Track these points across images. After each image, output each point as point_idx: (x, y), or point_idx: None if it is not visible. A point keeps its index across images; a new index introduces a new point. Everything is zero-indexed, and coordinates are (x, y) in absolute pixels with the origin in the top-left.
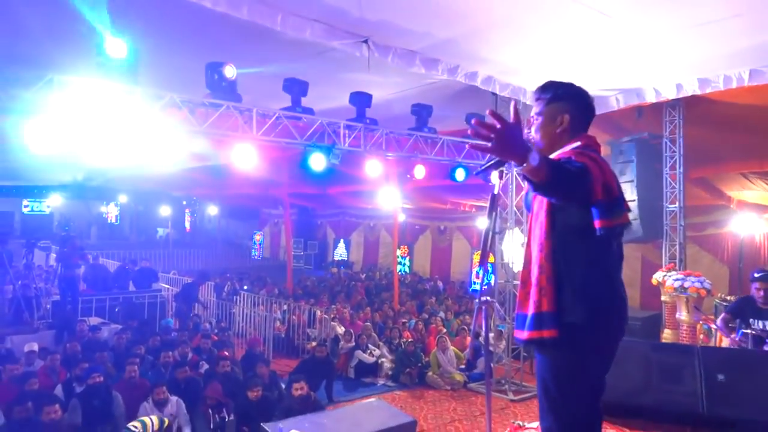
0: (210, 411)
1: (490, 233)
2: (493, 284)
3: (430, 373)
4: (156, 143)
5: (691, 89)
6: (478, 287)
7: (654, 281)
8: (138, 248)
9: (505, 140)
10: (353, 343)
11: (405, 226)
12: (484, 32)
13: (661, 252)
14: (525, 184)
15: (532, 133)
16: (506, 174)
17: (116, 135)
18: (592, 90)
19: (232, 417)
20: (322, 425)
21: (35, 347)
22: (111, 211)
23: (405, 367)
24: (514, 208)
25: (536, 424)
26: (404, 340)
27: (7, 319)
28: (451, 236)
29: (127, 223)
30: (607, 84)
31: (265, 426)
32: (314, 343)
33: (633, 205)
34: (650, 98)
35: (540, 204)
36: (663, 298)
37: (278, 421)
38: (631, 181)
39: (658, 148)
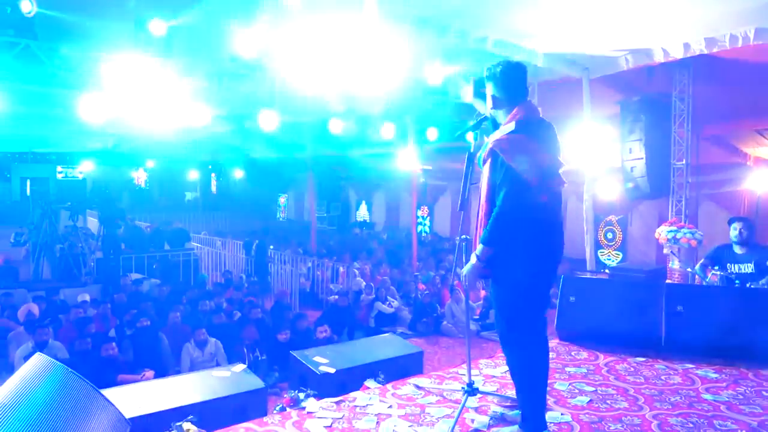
0: (246, 350)
1: (467, 185)
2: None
3: (444, 323)
4: (186, 108)
5: (698, 48)
6: None
7: (656, 235)
8: (167, 211)
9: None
10: (373, 296)
11: (425, 186)
12: None
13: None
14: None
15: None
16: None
17: (153, 104)
18: (601, 50)
19: (264, 356)
20: (341, 353)
21: (87, 297)
22: (140, 177)
23: (421, 316)
24: None
25: None
26: (420, 291)
27: (58, 275)
28: (470, 197)
29: (156, 188)
30: (616, 44)
31: (294, 353)
32: (336, 296)
33: (640, 164)
34: (659, 58)
35: (484, 179)
36: (664, 250)
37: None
38: (640, 139)
39: (668, 106)
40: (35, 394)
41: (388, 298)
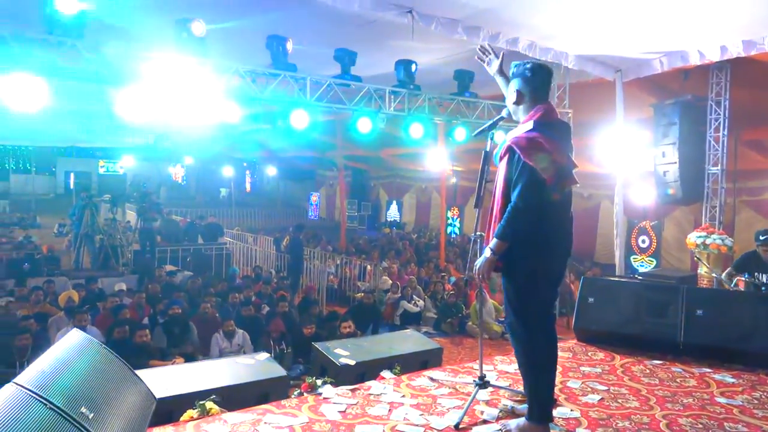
0: (272, 343)
1: (483, 183)
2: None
3: (469, 323)
4: (221, 107)
5: (736, 51)
6: None
7: (686, 241)
8: (203, 207)
9: (479, 270)
10: (399, 294)
11: (456, 188)
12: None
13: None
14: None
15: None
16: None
17: (190, 102)
18: (634, 53)
19: (290, 349)
20: (362, 346)
21: (123, 287)
22: (178, 172)
23: (447, 317)
24: None
25: None
26: (446, 292)
27: (97, 264)
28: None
29: (193, 184)
30: (650, 47)
31: (316, 344)
32: (362, 294)
33: (674, 168)
34: (694, 60)
35: (500, 175)
36: (695, 257)
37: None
38: (673, 143)
39: (703, 110)
40: (74, 364)
41: (414, 297)
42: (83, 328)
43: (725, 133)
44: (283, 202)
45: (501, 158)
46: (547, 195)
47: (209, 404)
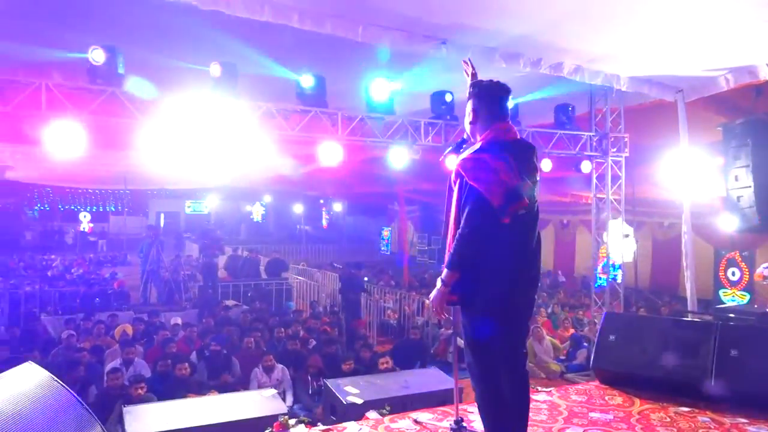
0: (309, 378)
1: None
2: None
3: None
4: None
5: None
6: (603, 282)
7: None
8: (278, 243)
9: (431, 303)
10: (451, 330)
11: None
12: (562, 24)
13: None
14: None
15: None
16: (604, 166)
17: (230, 142)
18: (696, 71)
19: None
20: (374, 384)
21: (179, 321)
22: (257, 210)
23: None
24: (611, 198)
25: (549, 388)
26: None
27: (162, 299)
28: (574, 230)
29: (272, 221)
30: (713, 63)
31: (327, 381)
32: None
33: (748, 192)
34: (765, 75)
35: (453, 201)
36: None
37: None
38: (747, 166)
39: None
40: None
41: None
42: (131, 360)
43: None
44: (354, 237)
45: (454, 183)
46: (495, 219)
47: None
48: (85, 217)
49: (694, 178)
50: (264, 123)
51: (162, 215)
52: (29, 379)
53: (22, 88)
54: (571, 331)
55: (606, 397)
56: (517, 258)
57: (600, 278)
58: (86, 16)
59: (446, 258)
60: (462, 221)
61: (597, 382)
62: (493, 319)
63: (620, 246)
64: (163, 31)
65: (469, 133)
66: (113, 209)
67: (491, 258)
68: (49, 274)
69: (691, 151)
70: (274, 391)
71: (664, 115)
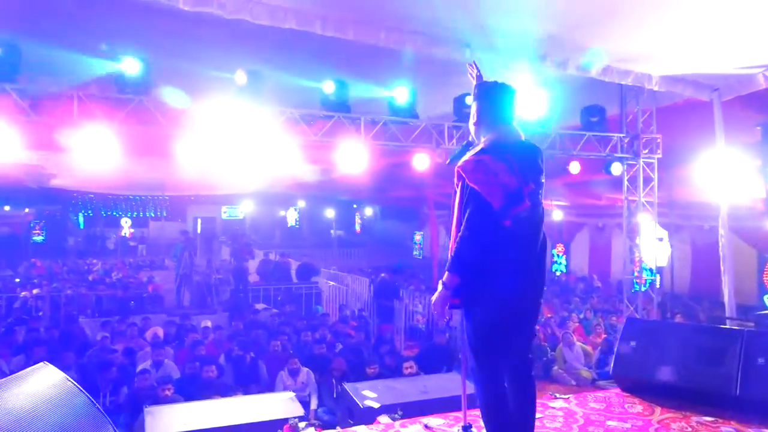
0: (334, 381)
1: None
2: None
3: (555, 368)
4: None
5: None
6: (641, 287)
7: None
8: (313, 248)
9: (433, 307)
10: None
11: (561, 224)
12: (588, 23)
13: None
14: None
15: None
16: (636, 168)
17: (257, 148)
18: (732, 69)
19: None
20: (393, 388)
21: (209, 324)
22: (291, 215)
23: None
24: (643, 201)
25: (567, 396)
26: None
27: (196, 302)
28: (610, 234)
29: (306, 226)
30: (750, 60)
31: (346, 385)
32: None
33: None
34: None
35: (456, 203)
36: None
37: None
38: None
39: None
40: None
41: None
42: (161, 363)
43: None
44: (387, 241)
45: (456, 185)
46: (495, 222)
47: None
48: (126, 222)
49: (732, 180)
50: (288, 129)
51: (199, 220)
52: (44, 379)
53: (56, 98)
54: (604, 336)
55: (625, 405)
56: (520, 261)
57: (636, 283)
58: (117, 27)
59: (448, 261)
60: (463, 224)
61: (618, 390)
62: (495, 323)
63: (654, 250)
64: (189, 41)
65: (473, 135)
66: (153, 215)
67: (493, 261)
68: (90, 278)
69: (729, 152)
70: (292, 394)
71: (700, 115)
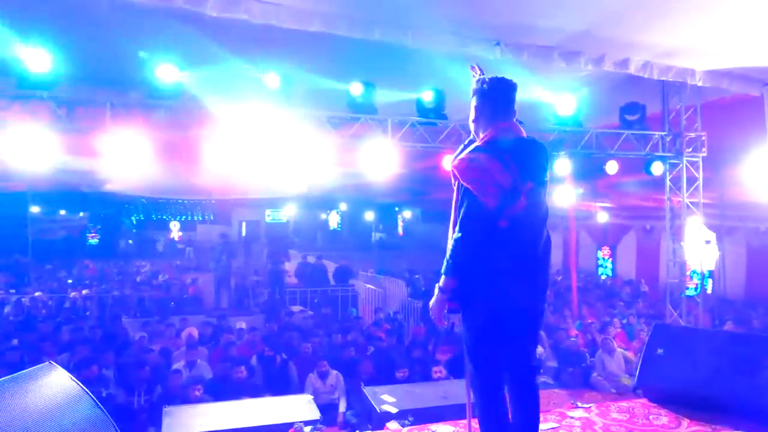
0: (362, 384)
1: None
2: None
3: (594, 374)
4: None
5: None
6: (692, 292)
7: None
8: (354, 251)
9: (431, 311)
10: None
11: (607, 226)
12: (625, 17)
13: None
14: None
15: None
16: (679, 167)
17: (289, 151)
18: None
19: None
20: (412, 393)
21: (243, 325)
22: (332, 219)
23: (567, 366)
24: (686, 201)
25: (589, 405)
26: (571, 339)
27: (233, 304)
28: (659, 236)
29: (347, 228)
30: None
31: (365, 389)
32: None
33: None
34: None
35: (453, 203)
36: None
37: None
38: None
39: None
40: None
41: None
42: (194, 363)
43: None
44: (429, 244)
45: (454, 185)
46: (490, 222)
47: None
48: (175, 225)
49: None
50: (316, 131)
51: (243, 224)
52: (47, 379)
53: (88, 106)
54: None
55: (650, 417)
56: (518, 264)
57: (688, 287)
58: (153, 35)
59: (443, 263)
60: (458, 225)
61: (644, 400)
62: (490, 327)
63: (700, 253)
64: (220, 45)
65: (473, 132)
66: (200, 218)
67: (489, 263)
68: (138, 279)
69: None
70: (310, 397)
71: (749, 111)
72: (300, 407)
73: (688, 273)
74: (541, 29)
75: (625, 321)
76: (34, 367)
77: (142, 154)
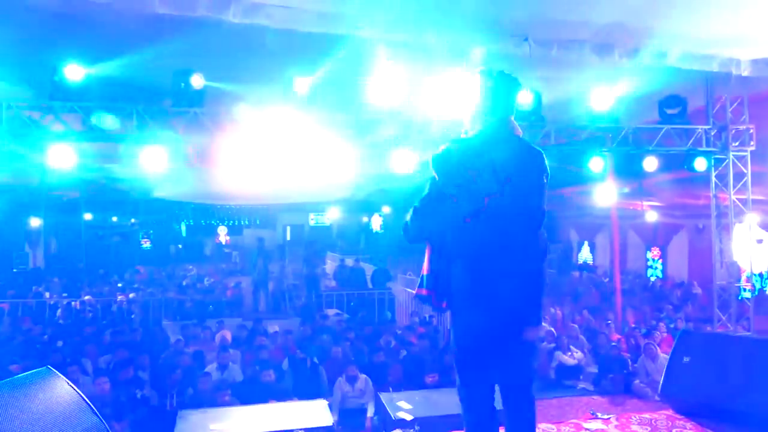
0: (390, 389)
1: None
2: None
3: (636, 381)
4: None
5: None
6: (748, 294)
7: None
8: (397, 254)
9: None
10: (553, 344)
11: (656, 225)
12: (660, 6)
13: None
14: None
15: None
16: (726, 162)
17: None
18: None
19: None
20: (433, 400)
21: (277, 328)
22: (375, 221)
23: (608, 372)
24: (733, 198)
25: (609, 416)
26: (613, 343)
27: (270, 307)
28: (711, 236)
29: (390, 232)
30: None
31: (381, 395)
32: None
33: None
34: None
35: None
36: None
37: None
38: None
39: None
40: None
41: (571, 347)
42: (225, 366)
43: None
44: None
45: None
46: (455, 214)
47: None
48: (222, 230)
49: None
50: (339, 133)
51: (288, 228)
52: (43, 384)
53: (116, 113)
54: None
55: (673, 430)
56: (485, 264)
57: (743, 290)
58: (183, 45)
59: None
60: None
61: (669, 411)
62: (464, 334)
63: (749, 253)
64: (240, 51)
65: (468, 127)
66: (247, 223)
67: (456, 262)
68: (183, 283)
69: None
70: (325, 402)
71: None
72: (313, 413)
73: (743, 274)
74: (571, 23)
75: (672, 325)
76: (31, 372)
77: (187, 161)
